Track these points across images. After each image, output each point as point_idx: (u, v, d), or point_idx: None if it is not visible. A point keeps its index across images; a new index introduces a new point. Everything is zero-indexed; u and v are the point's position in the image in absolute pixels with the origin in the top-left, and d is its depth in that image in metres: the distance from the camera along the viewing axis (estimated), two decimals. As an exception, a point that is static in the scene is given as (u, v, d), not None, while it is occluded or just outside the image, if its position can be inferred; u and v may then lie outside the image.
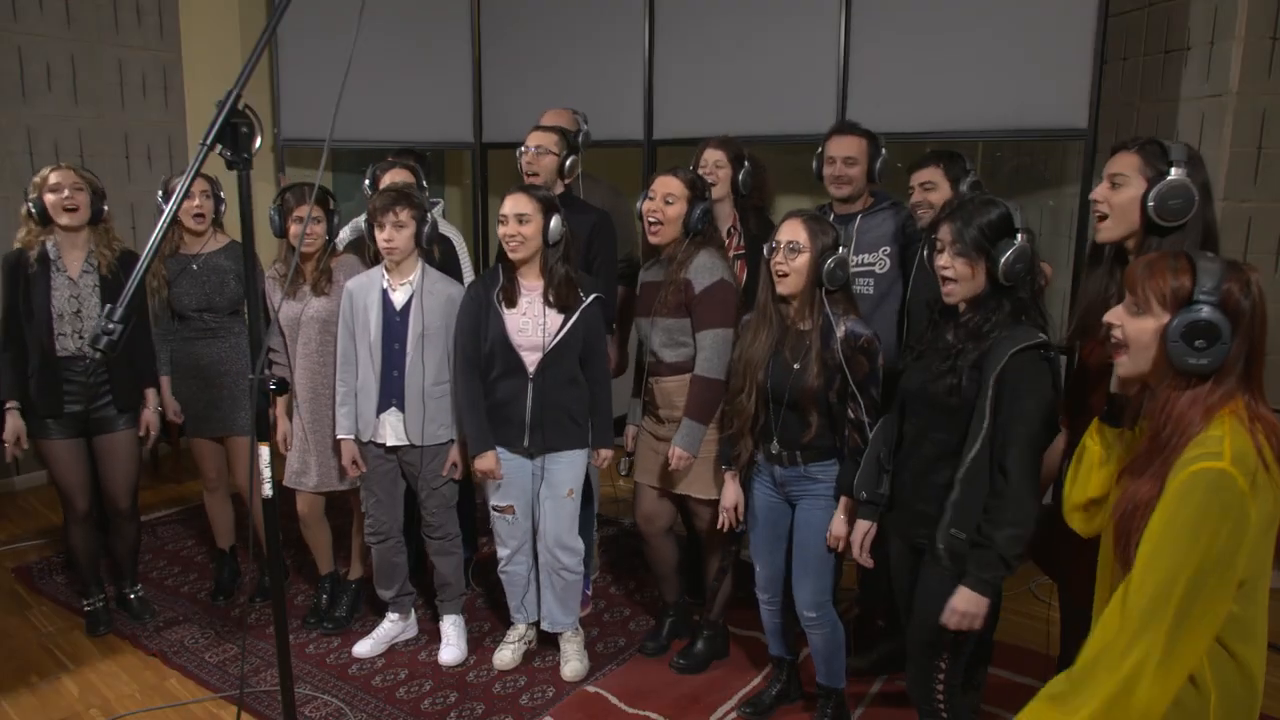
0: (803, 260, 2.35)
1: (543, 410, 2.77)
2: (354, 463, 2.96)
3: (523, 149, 3.15)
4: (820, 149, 3.03)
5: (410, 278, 2.88)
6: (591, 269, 3.05)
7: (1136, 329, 1.47)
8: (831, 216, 3.02)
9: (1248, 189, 3.50)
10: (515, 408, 2.79)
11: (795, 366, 2.39)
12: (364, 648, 3.11)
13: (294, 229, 2.92)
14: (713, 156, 3.05)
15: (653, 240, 2.79)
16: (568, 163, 3.16)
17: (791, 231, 2.37)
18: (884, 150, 2.97)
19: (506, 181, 3.31)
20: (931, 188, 2.69)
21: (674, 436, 2.74)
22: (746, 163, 3.09)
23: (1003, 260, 1.93)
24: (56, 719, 2.79)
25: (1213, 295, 1.40)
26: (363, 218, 2.96)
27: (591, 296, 2.78)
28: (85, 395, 3.03)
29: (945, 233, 1.99)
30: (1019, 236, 1.95)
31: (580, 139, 3.50)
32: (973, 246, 1.95)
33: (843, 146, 2.96)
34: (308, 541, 3.27)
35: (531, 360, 2.76)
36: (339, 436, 2.97)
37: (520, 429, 2.79)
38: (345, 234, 3.55)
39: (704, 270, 2.71)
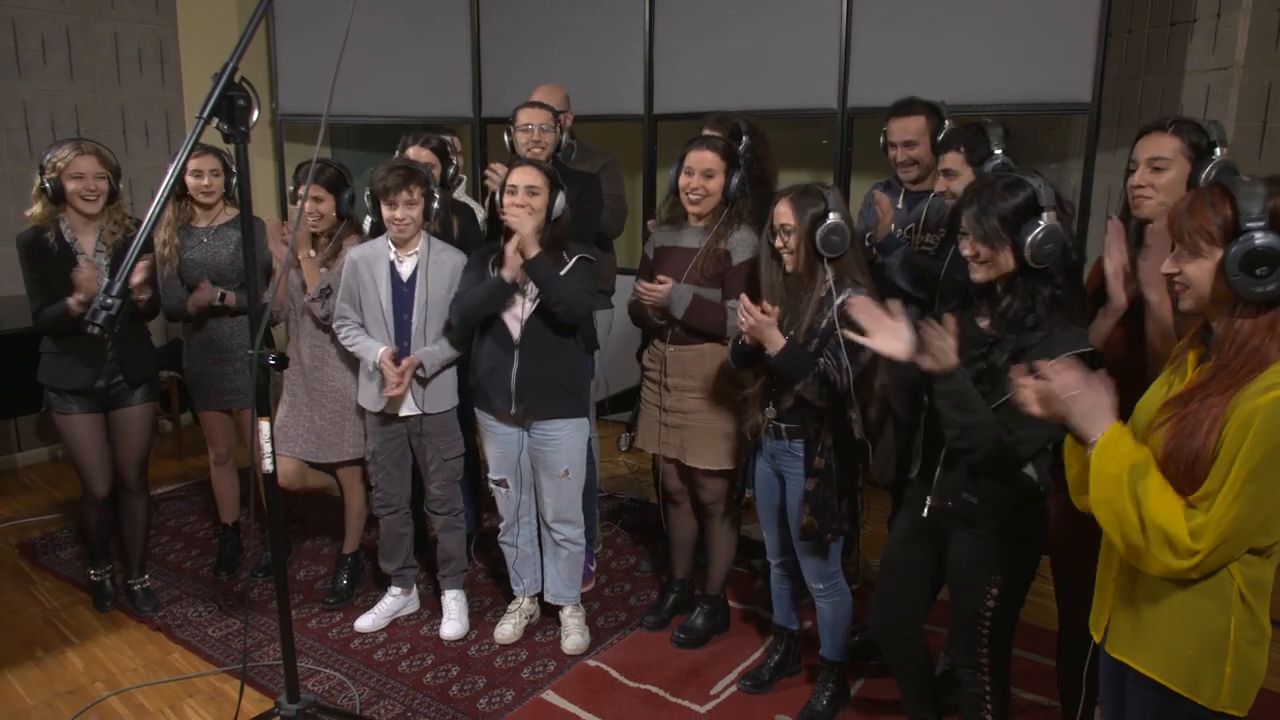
0: (794, 239, 2.38)
1: (529, 377, 2.78)
2: (396, 377, 2.86)
3: (525, 126, 3.13)
4: (885, 128, 2.97)
5: (416, 249, 2.90)
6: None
7: (1194, 272, 1.44)
8: (903, 193, 2.98)
9: (1253, 163, 3.47)
10: (502, 374, 2.80)
11: (791, 332, 2.41)
12: (366, 622, 3.13)
13: (305, 207, 2.95)
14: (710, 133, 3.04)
15: (693, 210, 2.78)
16: (564, 138, 3.22)
17: (780, 213, 2.40)
18: (947, 122, 2.86)
19: (506, 156, 3.30)
20: (953, 175, 2.56)
21: (674, 292, 2.72)
22: (746, 136, 3.07)
23: (1029, 241, 1.84)
24: (61, 692, 2.81)
25: (1261, 219, 1.36)
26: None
27: (575, 258, 2.77)
28: (106, 370, 3.03)
29: (965, 220, 1.93)
30: (1045, 215, 1.85)
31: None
32: (993, 234, 1.88)
33: (900, 130, 2.90)
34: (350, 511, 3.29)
35: (516, 327, 2.77)
36: (380, 355, 2.86)
37: (507, 396, 2.80)
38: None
39: (745, 245, 2.73)
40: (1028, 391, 1.58)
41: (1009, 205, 1.87)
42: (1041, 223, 1.85)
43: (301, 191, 2.84)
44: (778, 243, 2.42)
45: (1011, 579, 2.05)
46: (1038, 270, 1.89)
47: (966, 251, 1.94)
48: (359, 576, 3.39)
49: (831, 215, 2.33)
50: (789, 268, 2.43)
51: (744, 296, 2.36)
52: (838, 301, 2.34)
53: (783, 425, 2.49)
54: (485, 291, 2.75)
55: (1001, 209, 1.87)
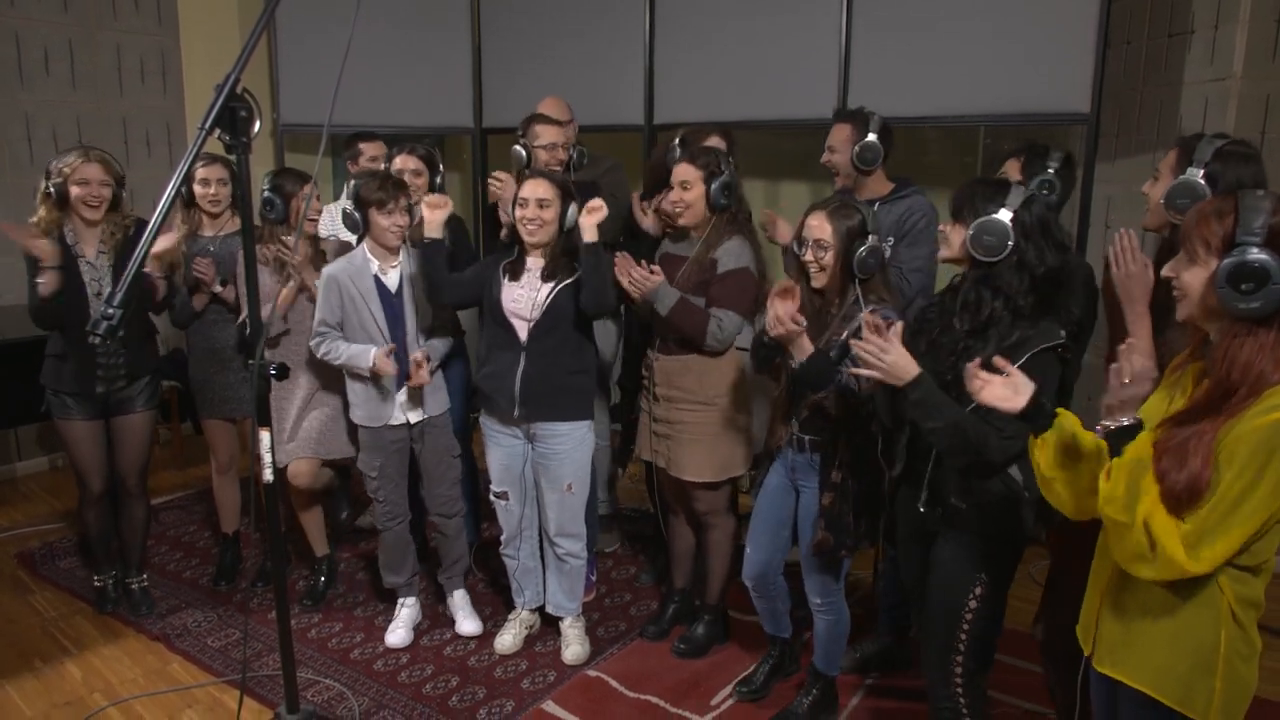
0: (830, 256, 2.33)
1: (534, 380, 2.78)
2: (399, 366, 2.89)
3: (549, 145, 3.21)
4: None
5: (398, 259, 2.93)
6: None
7: (1189, 278, 1.43)
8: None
9: (1250, 174, 3.48)
10: (506, 379, 2.79)
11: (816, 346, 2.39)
12: (397, 637, 3.08)
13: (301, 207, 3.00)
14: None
15: (681, 224, 2.80)
16: (573, 151, 3.33)
17: (817, 228, 2.33)
18: (871, 133, 2.91)
19: (506, 167, 3.31)
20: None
21: (661, 287, 2.71)
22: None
23: (970, 230, 1.94)
24: (60, 703, 2.80)
25: (1258, 234, 1.35)
26: (345, 204, 2.93)
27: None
28: (107, 376, 3.05)
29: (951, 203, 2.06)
30: (1001, 212, 1.92)
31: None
32: (955, 213, 2.01)
33: (830, 135, 3.00)
34: (306, 518, 3.29)
35: (523, 330, 2.77)
36: (372, 358, 2.81)
37: (510, 398, 2.80)
38: (328, 219, 3.53)
39: (732, 254, 2.72)
40: (977, 383, 1.65)
41: (983, 193, 1.97)
42: (995, 217, 1.92)
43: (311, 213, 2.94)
44: (808, 256, 2.35)
45: (995, 579, 2.08)
46: (988, 265, 1.94)
47: (945, 225, 2.06)
48: (333, 577, 3.43)
49: (870, 236, 2.30)
50: (816, 284, 2.38)
51: (775, 302, 2.26)
52: (865, 313, 2.30)
53: (806, 438, 2.47)
54: (421, 259, 2.82)
55: (975, 193, 1.97)
